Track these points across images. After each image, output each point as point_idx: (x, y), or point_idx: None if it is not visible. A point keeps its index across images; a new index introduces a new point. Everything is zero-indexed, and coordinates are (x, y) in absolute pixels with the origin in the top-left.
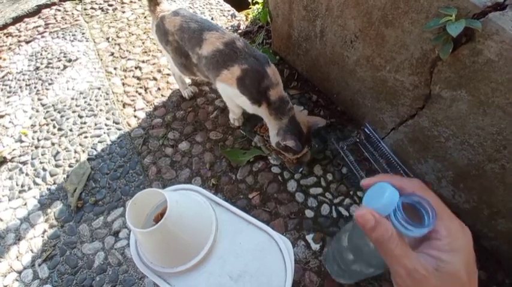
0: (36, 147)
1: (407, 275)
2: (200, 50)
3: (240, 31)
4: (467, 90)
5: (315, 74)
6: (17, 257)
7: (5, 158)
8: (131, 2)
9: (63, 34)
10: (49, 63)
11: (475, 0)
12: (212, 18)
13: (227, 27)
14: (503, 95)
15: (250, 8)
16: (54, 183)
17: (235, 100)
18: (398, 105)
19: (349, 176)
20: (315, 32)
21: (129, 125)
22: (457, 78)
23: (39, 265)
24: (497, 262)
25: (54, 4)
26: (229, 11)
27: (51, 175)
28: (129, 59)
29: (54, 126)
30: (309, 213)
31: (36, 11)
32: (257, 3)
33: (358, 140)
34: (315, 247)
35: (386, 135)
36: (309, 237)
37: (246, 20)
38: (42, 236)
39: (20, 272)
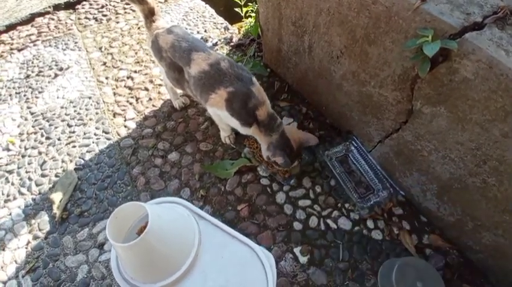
0: (23, 156)
1: None
2: (190, 69)
3: (232, 43)
4: (445, 106)
5: (304, 87)
6: (2, 267)
7: None
8: (125, 13)
9: (55, 43)
10: (40, 71)
11: (451, 21)
12: (205, 31)
13: (220, 39)
14: (480, 111)
15: (243, 21)
16: (40, 193)
17: (228, 122)
18: (384, 119)
19: (337, 188)
20: (303, 47)
21: (118, 134)
22: (436, 95)
23: (23, 277)
24: (483, 276)
25: (47, 13)
26: (222, 23)
27: (37, 185)
28: (121, 69)
29: (42, 135)
30: (297, 225)
31: (30, 19)
32: (250, 16)
33: (346, 152)
34: (303, 260)
35: (373, 148)
36: (297, 250)
37: (239, 33)
38: (26, 248)
39: (5, 283)
